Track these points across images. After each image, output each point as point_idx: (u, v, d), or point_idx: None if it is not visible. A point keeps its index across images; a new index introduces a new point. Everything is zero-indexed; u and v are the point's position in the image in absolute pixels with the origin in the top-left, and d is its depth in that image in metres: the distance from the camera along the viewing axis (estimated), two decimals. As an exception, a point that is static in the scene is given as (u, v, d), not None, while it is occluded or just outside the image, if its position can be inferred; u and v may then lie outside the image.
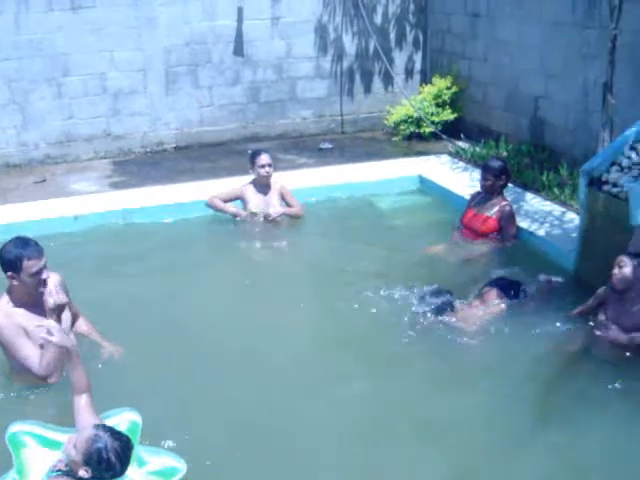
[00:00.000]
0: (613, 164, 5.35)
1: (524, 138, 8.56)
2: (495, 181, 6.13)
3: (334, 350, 4.74)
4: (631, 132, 5.45)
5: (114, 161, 9.03)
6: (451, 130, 9.59)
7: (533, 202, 6.93)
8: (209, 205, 6.95)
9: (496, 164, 6.20)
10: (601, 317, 4.57)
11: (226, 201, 6.90)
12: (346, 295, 5.35)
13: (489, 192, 6.19)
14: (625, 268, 4.40)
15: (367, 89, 10.30)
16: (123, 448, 3.13)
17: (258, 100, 9.84)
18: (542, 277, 5.18)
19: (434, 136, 9.47)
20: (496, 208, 6.13)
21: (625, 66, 6.74)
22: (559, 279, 5.21)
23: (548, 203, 6.86)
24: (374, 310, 5.09)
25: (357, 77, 10.20)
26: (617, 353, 4.46)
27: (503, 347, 4.69)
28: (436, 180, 7.63)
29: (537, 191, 7.16)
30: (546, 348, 4.60)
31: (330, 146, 9.47)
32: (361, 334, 4.94)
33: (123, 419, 3.59)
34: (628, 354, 4.44)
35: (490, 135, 9.04)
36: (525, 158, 7.99)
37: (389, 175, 7.92)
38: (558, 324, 4.77)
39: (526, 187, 7.28)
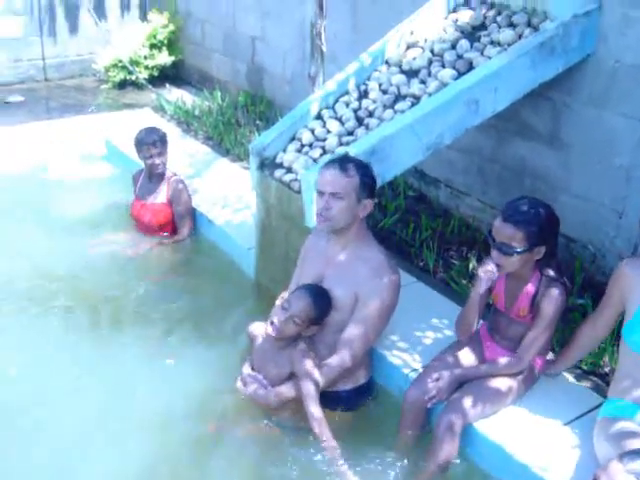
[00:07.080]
0: (293, 139, 4.17)
1: (243, 86, 7.30)
2: (162, 151, 4.73)
3: None
4: (321, 96, 4.27)
5: None
6: (172, 77, 8.21)
7: (230, 172, 5.63)
8: None
9: (153, 137, 4.68)
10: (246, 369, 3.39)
11: None
12: None
13: (154, 174, 4.79)
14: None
15: (74, 27, 8.57)
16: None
17: None
18: None
19: (152, 84, 8.02)
20: (164, 189, 4.80)
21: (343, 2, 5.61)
22: None
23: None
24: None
25: (60, 12, 8.42)
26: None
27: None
28: (122, 147, 6.02)
29: (239, 158, 5.87)
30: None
31: (22, 99, 7.74)
32: None
33: None
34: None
35: (211, 82, 7.72)
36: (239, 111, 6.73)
37: (71, 138, 6.37)
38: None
39: (229, 153, 6.00)
